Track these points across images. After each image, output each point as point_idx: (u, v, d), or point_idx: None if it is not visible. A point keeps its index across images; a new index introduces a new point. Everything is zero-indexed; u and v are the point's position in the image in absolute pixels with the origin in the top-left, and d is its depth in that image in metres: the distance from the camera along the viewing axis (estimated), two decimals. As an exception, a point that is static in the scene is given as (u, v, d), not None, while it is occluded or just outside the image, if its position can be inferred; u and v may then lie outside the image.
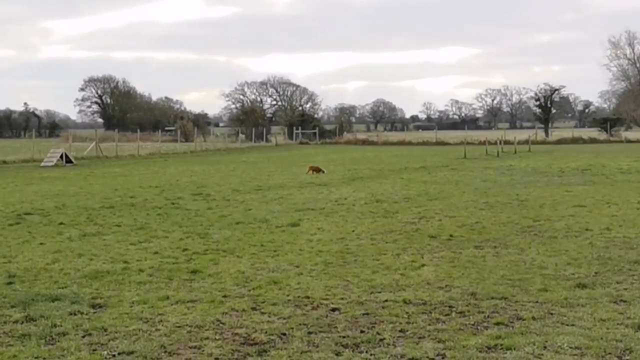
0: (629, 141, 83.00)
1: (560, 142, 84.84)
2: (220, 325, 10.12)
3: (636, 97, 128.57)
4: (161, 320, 10.30)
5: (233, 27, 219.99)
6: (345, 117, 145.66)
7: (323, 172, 38.11)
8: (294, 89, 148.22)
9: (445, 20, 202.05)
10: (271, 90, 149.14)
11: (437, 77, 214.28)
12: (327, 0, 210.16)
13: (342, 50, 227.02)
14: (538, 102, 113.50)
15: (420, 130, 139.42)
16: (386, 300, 11.33)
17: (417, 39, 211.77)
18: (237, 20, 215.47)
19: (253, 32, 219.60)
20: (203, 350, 9.03)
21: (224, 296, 11.72)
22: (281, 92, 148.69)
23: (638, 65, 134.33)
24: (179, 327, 10.00)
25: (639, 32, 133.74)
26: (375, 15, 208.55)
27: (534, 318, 10.24)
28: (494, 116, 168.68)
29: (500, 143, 63.09)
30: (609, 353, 8.70)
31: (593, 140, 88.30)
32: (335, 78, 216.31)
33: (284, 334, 9.65)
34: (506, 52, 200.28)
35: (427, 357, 8.70)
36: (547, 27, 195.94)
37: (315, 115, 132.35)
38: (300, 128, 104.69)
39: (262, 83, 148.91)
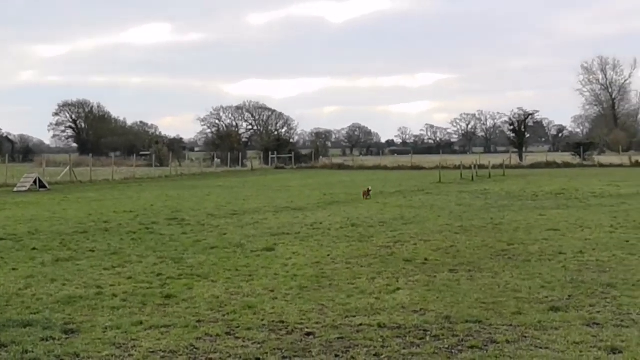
0: (601, 165, 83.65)
1: (534, 166, 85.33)
2: (194, 350, 10.07)
3: (609, 121, 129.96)
4: (134, 346, 10.23)
5: (208, 52, 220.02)
6: (321, 141, 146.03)
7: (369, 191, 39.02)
8: (270, 113, 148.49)
9: (420, 46, 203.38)
10: (247, 114, 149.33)
11: (412, 102, 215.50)
12: (302, 26, 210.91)
13: (317, 75, 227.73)
14: (512, 127, 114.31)
15: (395, 154, 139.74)
16: (361, 324, 11.33)
17: (392, 65, 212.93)
18: (212, 45, 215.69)
19: (228, 57, 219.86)
20: (177, 376, 8.98)
21: (198, 321, 11.66)
22: (257, 117, 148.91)
23: (610, 90, 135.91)
24: (152, 352, 9.94)
25: (611, 58, 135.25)
26: (350, 41, 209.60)
27: (507, 341, 10.27)
28: (468, 141, 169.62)
29: (474, 167, 63.38)
30: (583, 376, 8.74)
31: (567, 165, 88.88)
32: (311, 103, 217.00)
33: (258, 359, 9.61)
34: (480, 78, 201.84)
35: (401, 382, 8.70)
36: (520, 52, 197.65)
37: (291, 140, 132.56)
38: (276, 153, 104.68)
39: (238, 108, 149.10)
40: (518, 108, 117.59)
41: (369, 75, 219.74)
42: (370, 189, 39.11)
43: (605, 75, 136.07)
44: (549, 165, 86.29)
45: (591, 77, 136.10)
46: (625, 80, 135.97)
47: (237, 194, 44.06)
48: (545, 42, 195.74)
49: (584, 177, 58.98)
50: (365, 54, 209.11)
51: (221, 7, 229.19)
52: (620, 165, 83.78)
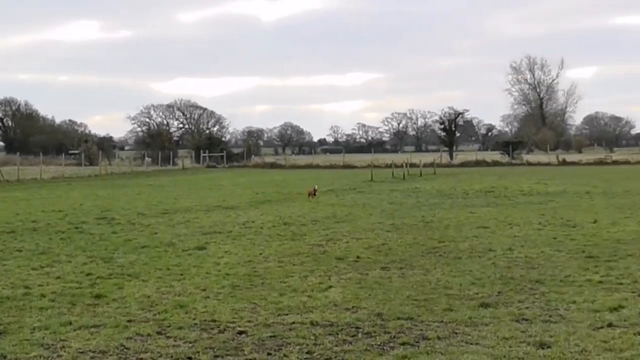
0: (530, 164, 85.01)
1: (464, 164, 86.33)
2: (125, 350, 9.96)
3: (537, 121, 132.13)
4: (63, 347, 10.07)
5: (138, 50, 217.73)
6: (253, 140, 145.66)
7: (315, 191, 37.15)
8: (201, 112, 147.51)
9: (351, 46, 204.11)
10: (178, 113, 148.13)
11: (344, 102, 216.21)
12: (234, 24, 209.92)
13: (249, 74, 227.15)
14: (442, 126, 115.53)
15: (327, 153, 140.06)
16: (293, 323, 11.32)
17: (324, 64, 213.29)
18: (142, 43, 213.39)
19: (159, 55, 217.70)
20: (107, 376, 8.87)
21: (129, 321, 11.53)
22: (188, 115, 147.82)
23: (538, 90, 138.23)
24: (81, 352, 9.80)
25: (539, 58, 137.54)
26: (281, 39, 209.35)
27: (439, 337, 10.36)
28: (400, 139, 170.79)
29: (406, 166, 63.86)
30: (512, 370, 8.86)
31: (496, 163, 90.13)
32: (242, 101, 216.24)
33: (190, 358, 9.55)
34: (410, 77, 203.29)
35: (333, 379, 8.72)
36: (449, 52, 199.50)
37: (223, 139, 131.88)
38: (207, 151, 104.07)
39: (169, 106, 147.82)
40: (448, 107, 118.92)
41: (301, 74, 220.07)
42: (316, 188, 37.55)
43: (534, 75, 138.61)
44: (478, 163, 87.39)
45: (519, 76, 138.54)
46: (553, 80, 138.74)
47: (168, 193, 43.70)
48: (474, 42, 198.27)
49: (512, 175, 59.84)
50: (296, 53, 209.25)
51: (151, 5, 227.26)
52: (548, 164, 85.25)
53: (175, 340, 10.40)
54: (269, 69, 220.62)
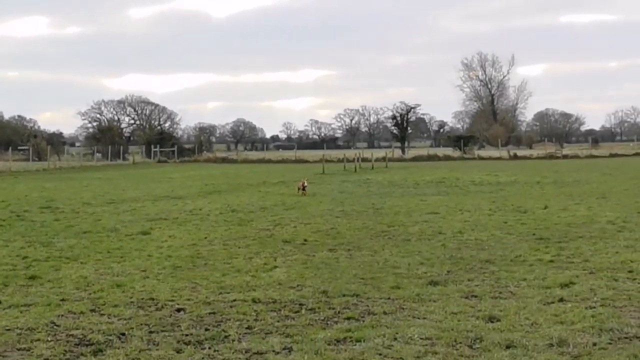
0: (481, 158, 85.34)
1: (416, 159, 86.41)
2: (55, 327, 9.45)
3: (488, 117, 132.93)
4: (-10, 324, 9.53)
5: (88, 46, 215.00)
6: (205, 136, 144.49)
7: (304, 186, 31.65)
8: (153, 107, 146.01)
9: (303, 43, 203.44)
10: (129, 109, 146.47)
11: (296, 98, 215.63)
12: (185, 21, 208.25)
13: (201, 70, 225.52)
14: (395, 120, 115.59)
15: (280, 149, 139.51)
16: (234, 300, 10.89)
17: (276, 61, 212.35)
18: (93, 39, 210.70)
19: (109, 51, 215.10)
20: (32, 352, 8.38)
21: (62, 300, 11.02)
22: (139, 111, 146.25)
23: (490, 86, 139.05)
24: (8, 330, 9.29)
25: (490, 55, 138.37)
26: (233, 36, 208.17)
27: (385, 313, 10.01)
28: (352, 136, 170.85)
29: (358, 160, 63.62)
30: (460, 342, 8.52)
31: (447, 158, 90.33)
32: (194, 98, 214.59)
33: (123, 334, 9.07)
34: (362, 74, 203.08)
35: (273, 350, 8.31)
36: (400, 49, 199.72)
37: (175, 134, 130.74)
38: (158, 146, 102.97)
39: (120, 102, 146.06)
40: (400, 102, 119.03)
41: (253, 70, 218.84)
42: (306, 182, 32.10)
43: (485, 72, 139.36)
44: (430, 158, 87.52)
45: (471, 73, 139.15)
46: (504, 77, 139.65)
47: (116, 185, 42.87)
48: (426, 40, 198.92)
49: (464, 168, 59.85)
50: (248, 49, 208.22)
51: (102, 1, 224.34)
52: (499, 158, 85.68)
53: (109, 318, 9.91)
54: (220, 66, 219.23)
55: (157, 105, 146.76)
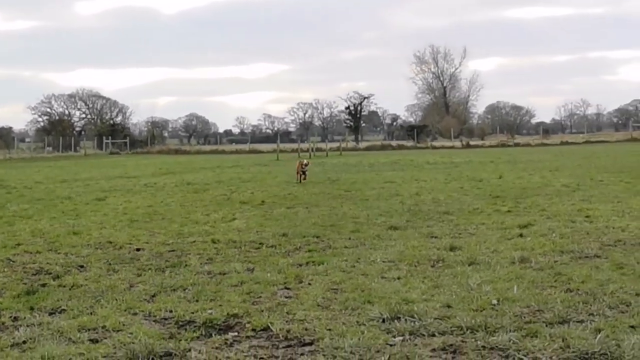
0: (434, 147, 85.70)
1: (369, 148, 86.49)
2: (11, 262, 9.31)
3: (440, 109, 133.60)
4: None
5: (37, 41, 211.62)
6: (157, 130, 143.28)
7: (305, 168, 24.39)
8: (104, 102, 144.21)
9: (255, 37, 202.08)
10: (80, 103, 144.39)
11: (249, 93, 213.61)
12: (136, 15, 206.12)
13: (152, 65, 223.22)
14: (348, 110, 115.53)
15: (233, 143, 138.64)
16: (194, 241, 10.80)
17: (228, 55, 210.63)
18: (42, 34, 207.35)
19: (59, 47, 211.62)
20: (-12, 279, 8.20)
21: (18, 244, 10.85)
22: (91, 105, 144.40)
23: (442, 79, 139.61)
24: (-38, 264, 9.09)
25: (442, 48, 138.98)
26: (185, 31, 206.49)
27: (345, 247, 9.99)
28: (306, 130, 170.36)
29: (312, 150, 63.54)
30: (422, 263, 8.51)
31: (401, 147, 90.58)
32: (146, 93, 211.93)
33: (82, 266, 8.93)
34: (315, 68, 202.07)
35: (236, 270, 8.25)
36: (353, 44, 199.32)
37: (127, 127, 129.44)
38: (110, 138, 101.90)
39: (71, 96, 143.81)
40: (354, 91, 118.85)
41: (205, 65, 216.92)
42: (306, 162, 24.79)
43: (437, 65, 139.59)
44: (384, 147, 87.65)
45: (423, 66, 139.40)
46: (456, 69, 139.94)
47: (68, 170, 42.28)
48: (379, 34, 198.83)
49: (419, 154, 60.03)
50: (200, 44, 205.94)
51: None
52: (452, 148, 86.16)
53: (66, 255, 9.76)
54: (172, 61, 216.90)
55: (108, 99, 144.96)
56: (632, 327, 5.73)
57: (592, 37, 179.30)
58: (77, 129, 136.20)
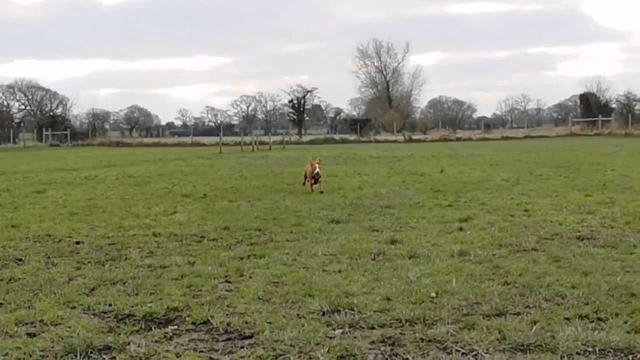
0: (377, 141, 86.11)
1: (313, 142, 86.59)
2: (-55, 255, 9.12)
3: (383, 103, 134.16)
4: None
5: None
6: (98, 122, 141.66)
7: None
8: (44, 93, 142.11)
9: (197, 29, 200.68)
10: (19, 94, 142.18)
11: (192, 85, 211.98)
12: (76, 6, 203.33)
13: (94, 56, 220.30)
14: (292, 103, 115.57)
15: (176, 136, 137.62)
16: (135, 235, 10.72)
17: (170, 47, 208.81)
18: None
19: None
20: None
21: (-47, 237, 10.65)
22: (30, 96, 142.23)
23: (385, 73, 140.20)
24: None
25: (385, 42, 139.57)
26: (126, 22, 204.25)
27: (287, 240, 10.01)
28: (249, 122, 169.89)
29: (255, 143, 63.42)
30: (363, 257, 8.57)
31: (344, 141, 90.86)
32: (88, 84, 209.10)
33: (20, 259, 8.82)
34: (258, 61, 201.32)
35: (176, 264, 8.22)
36: (297, 37, 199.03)
37: (68, 119, 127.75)
38: (50, 130, 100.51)
39: (9, 87, 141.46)
40: (297, 85, 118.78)
41: (147, 57, 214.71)
42: (318, 167, 17.93)
43: (380, 59, 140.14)
44: (327, 141, 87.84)
45: (367, 60, 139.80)
46: (399, 64, 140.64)
47: (6, 162, 41.65)
48: (322, 27, 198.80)
49: (361, 148, 60.28)
50: (142, 36, 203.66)
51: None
52: (395, 141, 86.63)
53: (3, 248, 9.63)
54: (114, 52, 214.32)
55: (48, 90, 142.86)
56: (567, 319, 5.85)
57: (531, 33, 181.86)
58: (16, 120, 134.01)
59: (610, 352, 5.13)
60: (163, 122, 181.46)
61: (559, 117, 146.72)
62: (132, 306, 6.47)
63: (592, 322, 5.78)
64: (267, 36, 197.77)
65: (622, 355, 5.09)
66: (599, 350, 5.14)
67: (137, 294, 6.91)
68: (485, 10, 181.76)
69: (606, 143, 49.66)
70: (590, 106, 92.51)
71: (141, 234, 10.78)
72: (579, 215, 12.14)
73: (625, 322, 5.73)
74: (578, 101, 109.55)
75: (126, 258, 8.76)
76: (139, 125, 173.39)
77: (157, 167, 31.00)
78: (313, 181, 17.38)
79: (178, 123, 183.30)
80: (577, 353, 5.09)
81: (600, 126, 78.11)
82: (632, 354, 5.09)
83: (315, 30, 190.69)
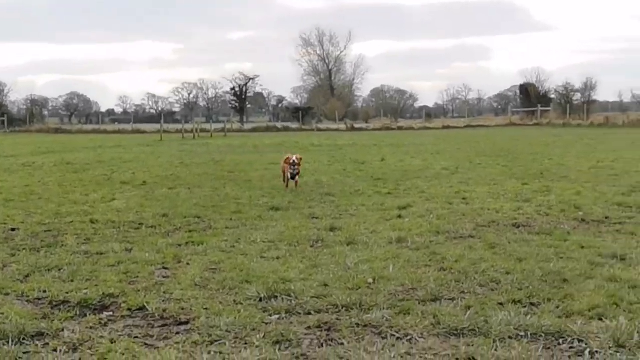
0: (319, 130, 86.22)
1: (255, 130, 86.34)
2: None
3: (326, 92, 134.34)
4: None
5: None
6: (37, 108, 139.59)
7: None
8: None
9: (138, 16, 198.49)
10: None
11: (133, 72, 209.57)
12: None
13: (32, 41, 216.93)
14: (234, 91, 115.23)
15: (116, 123, 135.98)
16: (72, 222, 10.60)
17: (110, 34, 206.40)
18: None
19: None
20: None
21: None
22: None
23: (327, 61, 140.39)
24: None
25: (328, 30, 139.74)
26: (65, 8, 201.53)
27: (226, 227, 9.99)
28: (191, 110, 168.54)
29: (196, 131, 63.03)
30: (302, 243, 8.60)
31: (287, 129, 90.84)
32: (25, 70, 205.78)
33: (-51, 247, 8.65)
34: (200, 49, 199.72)
35: (113, 251, 8.15)
36: (239, 25, 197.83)
37: (5, 104, 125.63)
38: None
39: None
40: (239, 72, 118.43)
41: (87, 43, 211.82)
42: (296, 159, 15.52)
43: (323, 47, 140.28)
44: (269, 129, 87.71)
45: (309, 48, 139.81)
46: (341, 52, 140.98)
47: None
48: (264, 15, 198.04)
49: (304, 136, 60.32)
50: (82, 22, 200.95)
51: None
52: (337, 130, 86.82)
53: None
54: (53, 38, 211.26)
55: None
56: (501, 304, 5.94)
57: (472, 23, 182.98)
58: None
59: (541, 336, 5.22)
60: (103, 109, 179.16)
61: (499, 107, 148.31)
62: (67, 292, 6.41)
63: (525, 307, 5.88)
64: (210, 23, 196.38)
65: (553, 339, 5.18)
66: (530, 334, 5.23)
67: (72, 281, 6.85)
68: (427, 2, 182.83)
69: (545, 133, 50.39)
70: (530, 96, 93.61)
71: (78, 220, 10.66)
72: (516, 203, 12.32)
73: (557, 307, 5.84)
74: (518, 91, 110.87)
75: (62, 245, 8.66)
76: (79, 112, 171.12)
77: (96, 154, 30.64)
78: (290, 176, 15.20)
79: (119, 110, 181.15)
80: (510, 337, 5.17)
81: (539, 116, 79.19)
82: (563, 337, 5.19)
83: (258, 18, 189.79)
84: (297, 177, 15.14)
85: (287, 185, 15.09)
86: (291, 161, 15.14)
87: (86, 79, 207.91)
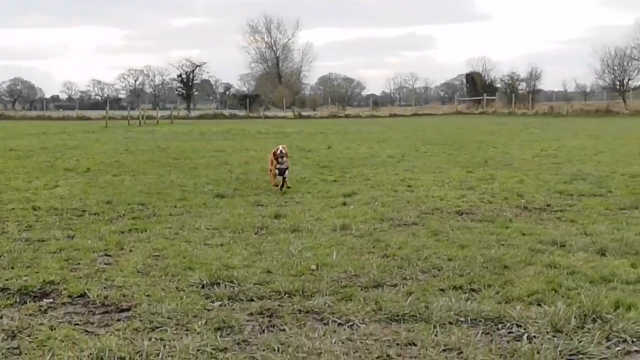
0: (267, 117, 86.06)
1: (202, 117, 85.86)
2: None
3: (273, 79, 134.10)
4: None
5: None
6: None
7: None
8: None
9: (84, 0, 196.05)
10: None
11: (78, 57, 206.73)
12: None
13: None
14: (180, 78, 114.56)
15: (61, 110, 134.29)
16: (13, 209, 10.47)
17: (54, 18, 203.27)
18: None
19: None
20: None
21: None
22: None
23: (275, 49, 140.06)
24: None
25: (276, 18, 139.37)
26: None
27: (171, 215, 9.95)
28: (137, 97, 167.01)
29: (142, 118, 62.50)
30: (246, 231, 8.60)
31: (234, 117, 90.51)
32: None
33: None
34: (146, 35, 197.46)
35: (55, 238, 8.08)
36: (185, 11, 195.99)
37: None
38: None
39: None
40: (186, 59, 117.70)
41: (31, 28, 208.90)
42: (284, 149, 13.45)
43: (271, 35, 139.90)
44: (217, 117, 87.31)
45: (257, 36, 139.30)
46: (289, 40, 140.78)
47: None
48: (212, 2, 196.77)
49: (251, 124, 60.18)
50: (25, 6, 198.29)
51: None
52: (285, 118, 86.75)
53: None
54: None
55: None
56: (442, 290, 6.00)
57: (419, 12, 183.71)
58: None
59: (481, 322, 5.28)
60: (48, 96, 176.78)
61: (446, 96, 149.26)
62: (7, 280, 6.34)
63: (466, 293, 5.95)
64: (156, 9, 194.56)
65: (493, 324, 5.25)
66: (471, 320, 5.30)
67: (12, 268, 6.77)
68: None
69: (490, 122, 50.90)
70: (476, 86, 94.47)
71: (20, 207, 10.54)
72: (460, 191, 12.44)
73: (498, 293, 5.92)
74: (464, 81, 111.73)
75: (3, 232, 8.56)
76: (23, 98, 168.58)
77: (40, 140, 30.24)
78: (278, 172, 12.86)
79: (64, 97, 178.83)
80: (450, 323, 5.23)
81: (485, 105, 79.92)
82: (502, 323, 5.25)
83: (205, 5, 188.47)
84: (286, 172, 12.88)
85: (277, 185, 12.81)
86: (278, 152, 13.08)
87: (30, 64, 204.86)
